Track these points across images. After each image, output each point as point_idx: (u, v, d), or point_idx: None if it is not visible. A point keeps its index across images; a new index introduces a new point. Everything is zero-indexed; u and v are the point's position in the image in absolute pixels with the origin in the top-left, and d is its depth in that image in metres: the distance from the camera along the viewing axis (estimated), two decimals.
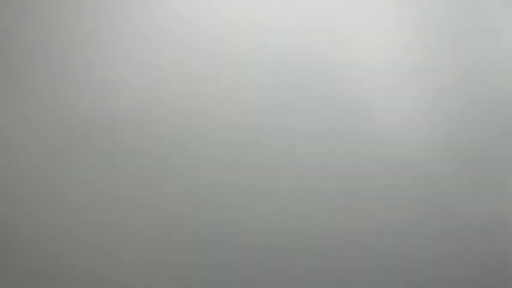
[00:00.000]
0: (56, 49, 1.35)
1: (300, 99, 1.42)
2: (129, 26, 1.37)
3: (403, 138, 1.45)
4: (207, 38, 1.40)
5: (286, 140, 1.41)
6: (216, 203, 1.36)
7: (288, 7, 1.44)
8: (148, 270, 1.34)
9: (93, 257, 1.32)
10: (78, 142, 1.33)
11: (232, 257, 1.37)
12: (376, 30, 1.47)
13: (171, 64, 1.38)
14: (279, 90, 1.42)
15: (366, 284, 1.41)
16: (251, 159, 1.38)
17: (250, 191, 1.38)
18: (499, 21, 1.54)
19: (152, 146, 1.36)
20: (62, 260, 1.31)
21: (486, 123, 1.49)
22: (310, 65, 1.43)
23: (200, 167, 1.36)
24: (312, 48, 1.43)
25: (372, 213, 1.42)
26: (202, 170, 1.36)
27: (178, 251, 1.35)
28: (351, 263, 1.41)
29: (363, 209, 1.42)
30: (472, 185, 1.46)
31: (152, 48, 1.37)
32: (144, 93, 1.36)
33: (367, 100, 1.44)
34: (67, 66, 1.34)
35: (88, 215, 1.32)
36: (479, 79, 1.52)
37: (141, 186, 1.34)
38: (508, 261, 1.47)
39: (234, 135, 1.39)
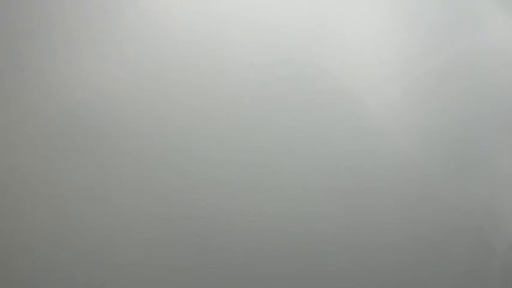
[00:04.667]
0: (49, 48, 1.34)
1: (294, 97, 1.42)
2: (123, 23, 1.36)
3: (395, 134, 1.46)
4: (201, 36, 1.39)
5: (281, 139, 1.41)
6: (215, 202, 1.36)
7: (283, 5, 1.44)
8: (147, 271, 1.33)
9: (90, 258, 1.31)
10: (71, 141, 1.32)
11: (231, 256, 1.36)
12: (368, 28, 1.47)
13: (165, 62, 1.37)
14: (274, 89, 1.41)
15: (361, 280, 1.41)
16: (247, 157, 1.38)
17: (248, 189, 1.38)
18: (492, 17, 1.55)
19: (150, 144, 1.35)
20: (58, 262, 1.30)
21: (479, 118, 1.50)
22: (302, 63, 1.43)
23: (197, 165, 1.36)
24: (304, 46, 1.43)
25: (365, 209, 1.42)
26: (200, 168, 1.36)
27: (176, 249, 1.34)
28: (346, 261, 1.42)
29: (357, 205, 1.42)
30: (464, 180, 1.47)
31: (147, 45, 1.36)
32: (139, 91, 1.35)
33: (360, 96, 1.44)
34: (59, 65, 1.34)
35: (86, 215, 1.31)
36: (471, 74, 1.52)
37: (140, 186, 1.34)
38: (498, 254, 1.48)
39: (231, 133, 1.38)
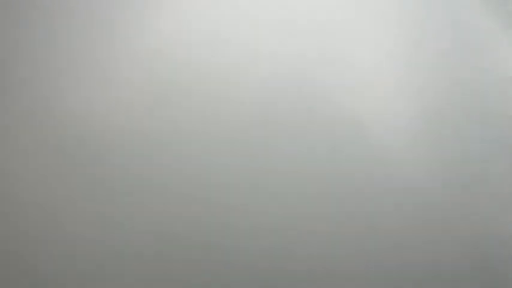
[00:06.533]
0: (47, 57, 1.37)
1: (292, 109, 1.43)
2: (129, 23, 1.39)
3: (400, 160, 1.45)
4: (206, 44, 1.42)
5: (280, 150, 1.41)
6: (216, 204, 1.36)
7: (282, 15, 1.47)
8: (149, 271, 1.33)
9: (93, 257, 1.31)
10: (74, 143, 1.34)
11: (232, 257, 1.36)
12: (373, 50, 1.48)
13: (171, 64, 1.39)
14: (271, 99, 1.43)
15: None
16: (247, 165, 1.39)
17: (248, 195, 1.38)
18: (503, 40, 1.55)
19: (153, 146, 1.37)
20: (59, 265, 1.30)
21: (490, 144, 1.49)
22: (301, 75, 1.45)
23: (200, 168, 1.37)
24: (303, 58, 1.45)
25: (366, 236, 1.40)
26: (201, 171, 1.37)
27: (177, 251, 1.34)
28: (349, 271, 1.39)
29: (358, 227, 1.40)
30: (472, 203, 1.44)
31: (154, 47, 1.39)
32: (144, 93, 1.38)
33: (362, 119, 1.44)
34: (63, 66, 1.36)
35: (87, 216, 1.32)
36: (482, 98, 1.52)
37: (142, 187, 1.35)
38: (508, 281, 1.44)
39: (233, 138, 1.39)
